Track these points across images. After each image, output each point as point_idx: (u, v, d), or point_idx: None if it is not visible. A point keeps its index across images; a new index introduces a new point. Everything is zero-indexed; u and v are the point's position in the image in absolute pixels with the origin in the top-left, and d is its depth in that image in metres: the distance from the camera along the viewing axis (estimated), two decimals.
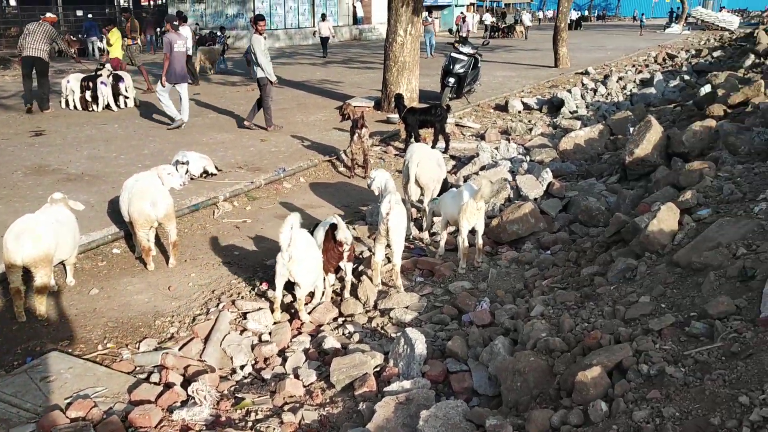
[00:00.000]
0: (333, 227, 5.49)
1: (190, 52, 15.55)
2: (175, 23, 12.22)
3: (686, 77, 18.25)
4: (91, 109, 13.64)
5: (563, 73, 21.31)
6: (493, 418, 3.61)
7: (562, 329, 4.30)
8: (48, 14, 14.22)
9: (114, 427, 3.94)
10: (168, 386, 4.46)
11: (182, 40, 11.93)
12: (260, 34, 11.69)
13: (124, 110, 13.91)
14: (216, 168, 9.13)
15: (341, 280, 5.97)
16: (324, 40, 27.55)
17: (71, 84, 13.68)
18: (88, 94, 13.62)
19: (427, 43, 27.09)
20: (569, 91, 16.31)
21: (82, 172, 9.01)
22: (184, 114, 12.11)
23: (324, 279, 5.71)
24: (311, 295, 5.75)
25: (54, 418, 3.94)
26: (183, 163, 8.55)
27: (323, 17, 29.05)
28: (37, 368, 4.60)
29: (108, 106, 13.75)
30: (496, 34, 41.72)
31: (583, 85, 18.41)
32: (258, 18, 12.04)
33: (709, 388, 3.03)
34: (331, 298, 5.85)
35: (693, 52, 28.23)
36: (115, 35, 16.19)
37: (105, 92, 13.64)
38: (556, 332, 4.32)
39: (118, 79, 13.89)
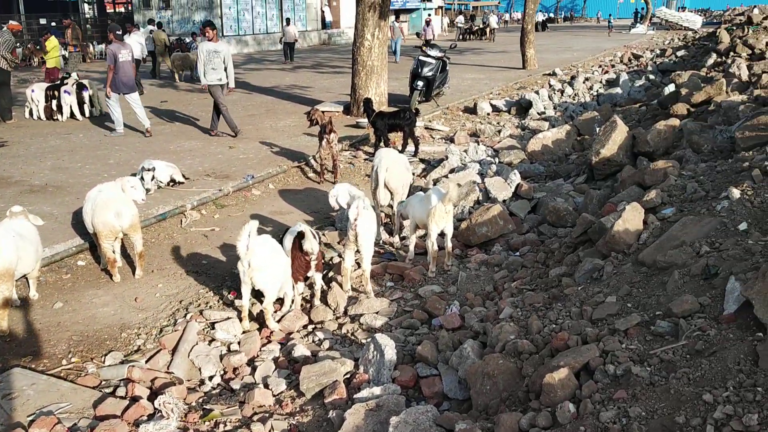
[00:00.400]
0: (300, 236, 5.44)
1: (139, 56, 15.67)
2: (119, 32, 11.83)
3: (651, 77, 18.51)
4: (55, 118, 13.40)
5: (531, 74, 21.49)
6: (462, 422, 3.60)
7: (530, 331, 4.31)
8: (11, 22, 13.88)
9: None
10: (134, 400, 4.38)
11: (126, 50, 11.68)
12: (209, 40, 11.55)
13: (89, 119, 13.70)
14: (183, 176, 9.02)
15: (311, 287, 5.93)
16: (289, 46, 27.03)
17: (35, 93, 13.41)
18: (54, 104, 13.39)
19: (393, 47, 26.56)
20: (537, 92, 16.44)
21: (45, 184, 8.84)
22: (143, 121, 12.01)
23: (293, 286, 5.67)
24: (281, 302, 5.70)
25: None
26: (148, 170, 8.44)
27: (288, 21, 28.66)
28: None
29: (72, 116, 13.53)
30: (470, 36, 42.01)
31: (550, 86, 18.59)
32: (206, 24, 11.92)
33: (674, 387, 3.05)
34: (301, 305, 5.81)
35: (658, 51, 28.66)
36: (51, 44, 15.99)
37: (69, 101, 13.40)
38: (524, 334, 4.33)
39: (81, 87, 13.65)
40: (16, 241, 5.23)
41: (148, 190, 8.15)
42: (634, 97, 15.42)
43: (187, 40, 24.61)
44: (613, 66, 24.19)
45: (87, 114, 13.89)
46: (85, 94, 13.74)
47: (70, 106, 13.49)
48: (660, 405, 2.99)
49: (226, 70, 11.59)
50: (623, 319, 3.84)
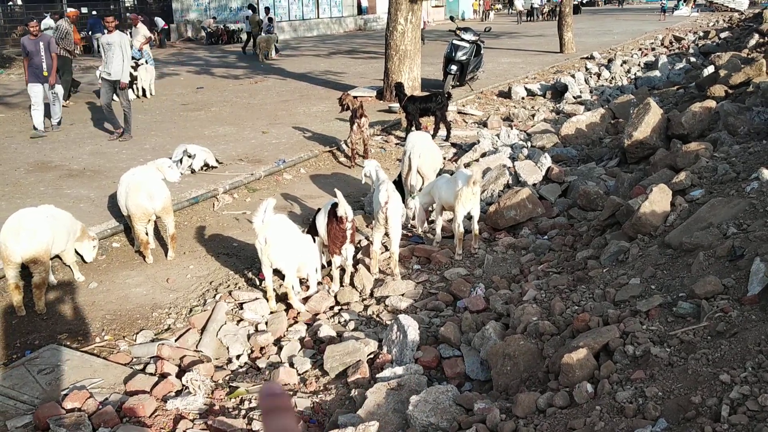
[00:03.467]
0: (334, 206, 5.51)
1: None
2: (34, 24, 10.86)
3: (692, 59, 18.07)
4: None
5: (568, 58, 21.17)
6: (481, 401, 3.63)
7: (552, 313, 4.31)
8: (70, 9, 15.67)
9: (108, 417, 3.99)
10: (163, 376, 4.51)
11: (43, 42, 10.64)
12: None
13: (135, 101, 13.98)
14: (217, 161, 9.16)
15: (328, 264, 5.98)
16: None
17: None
18: None
19: None
20: (573, 76, 16.19)
21: (83, 168, 9.07)
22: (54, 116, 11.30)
23: (317, 269, 5.74)
24: (307, 286, 5.78)
25: (50, 409, 3.99)
26: (190, 156, 8.64)
27: (267, 10, 25.62)
28: (35, 361, 4.66)
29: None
30: (539, 17, 42.69)
31: (587, 69, 18.28)
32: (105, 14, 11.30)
33: (692, 368, 3.03)
34: (321, 282, 5.87)
35: (701, 34, 27.91)
36: None
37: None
38: (547, 316, 4.33)
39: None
40: (50, 222, 5.41)
41: (182, 174, 8.34)
42: (673, 80, 15.07)
43: (265, 22, 25.14)
44: (653, 49, 23.68)
45: (140, 94, 14.88)
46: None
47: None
48: (677, 385, 2.97)
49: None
50: (645, 301, 3.81)
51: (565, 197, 7.62)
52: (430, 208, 7.05)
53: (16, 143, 10.47)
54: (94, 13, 28.39)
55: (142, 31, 16.46)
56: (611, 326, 3.68)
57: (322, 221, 5.66)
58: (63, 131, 11.32)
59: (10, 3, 31.80)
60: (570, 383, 3.41)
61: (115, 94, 10.91)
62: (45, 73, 10.72)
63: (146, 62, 15.77)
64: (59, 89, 11.21)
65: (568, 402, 3.29)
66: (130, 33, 15.35)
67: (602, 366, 3.39)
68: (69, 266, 6.03)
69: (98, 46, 11.55)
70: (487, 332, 4.38)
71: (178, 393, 4.35)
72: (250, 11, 25.18)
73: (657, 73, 15.92)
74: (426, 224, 7.21)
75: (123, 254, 6.67)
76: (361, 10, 39.39)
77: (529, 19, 43.36)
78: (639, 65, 18.61)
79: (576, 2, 49.10)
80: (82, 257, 6.20)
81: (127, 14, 32.01)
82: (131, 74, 14.38)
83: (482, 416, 3.47)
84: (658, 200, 4.98)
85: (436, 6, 43.74)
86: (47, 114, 11.22)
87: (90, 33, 26.35)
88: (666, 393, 2.96)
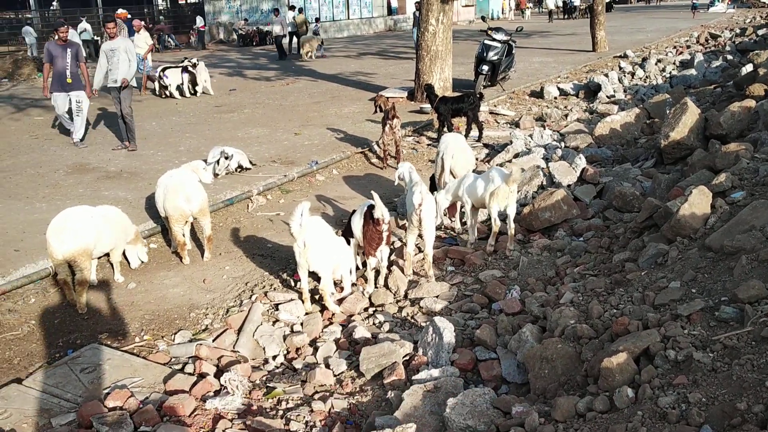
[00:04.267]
0: (370, 207, 5.54)
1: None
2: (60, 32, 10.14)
3: (729, 57, 17.75)
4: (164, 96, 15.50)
5: (601, 57, 20.95)
6: (519, 405, 3.61)
7: (590, 316, 4.27)
8: (120, 10, 16.64)
9: (149, 415, 4.06)
10: (202, 376, 4.57)
11: (71, 49, 10.17)
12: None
13: (180, 101, 14.34)
14: (250, 162, 9.25)
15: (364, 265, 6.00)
16: (277, 41, 23.78)
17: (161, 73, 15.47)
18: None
19: (415, 41, 20.63)
20: (606, 75, 16.03)
21: (120, 170, 9.22)
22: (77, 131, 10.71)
23: (351, 270, 5.76)
24: (341, 288, 5.80)
25: (93, 407, 4.07)
26: (227, 157, 8.76)
27: (276, 12, 24.55)
28: (77, 360, 4.76)
29: (182, 93, 15.56)
30: (564, 16, 43.07)
31: (620, 68, 18.06)
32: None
33: (736, 373, 2.98)
34: (355, 284, 5.89)
35: (737, 30, 27.43)
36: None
37: (175, 81, 15.43)
38: (584, 319, 4.29)
39: (184, 70, 15.53)
40: (96, 222, 5.55)
41: (216, 175, 8.48)
42: (709, 78, 14.83)
43: (313, 23, 25.70)
44: (688, 47, 23.31)
45: (194, 93, 15.75)
46: (186, 76, 15.51)
47: (168, 86, 15.42)
48: (721, 391, 2.93)
49: None
50: (686, 305, 3.75)
51: (600, 198, 7.55)
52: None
53: (54, 146, 10.69)
54: (129, 16, 28.81)
55: (144, 38, 16.64)
56: (651, 330, 3.63)
57: (358, 223, 5.69)
58: (100, 134, 11.52)
59: (52, 7, 32.42)
60: (610, 387, 3.37)
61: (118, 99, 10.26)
62: (69, 81, 10.16)
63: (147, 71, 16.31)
64: (85, 102, 10.48)
65: (608, 407, 3.25)
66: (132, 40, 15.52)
67: (643, 370, 3.35)
68: (112, 265, 6.16)
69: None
70: (523, 335, 4.36)
71: (217, 393, 4.41)
72: (294, 12, 25.69)
73: (693, 71, 15.67)
74: (459, 224, 7.21)
75: (160, 255, 6.76)
76: (390, 11, 39.42)
77: (566, 17, 43.26)
78: (674, 64, 18.33)
79: (607, 0, 48.76)
80: (127, 260, 6.35)
81: (161, 16, 32.54)
82: (161, 76, 15.41)
83: (520, 420, 3.45)
84: (697, 202, 4.91)
85: (466, 6, 43.56)
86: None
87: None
88: (710, 399, 2.91)
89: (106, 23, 10.52)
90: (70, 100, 10.33)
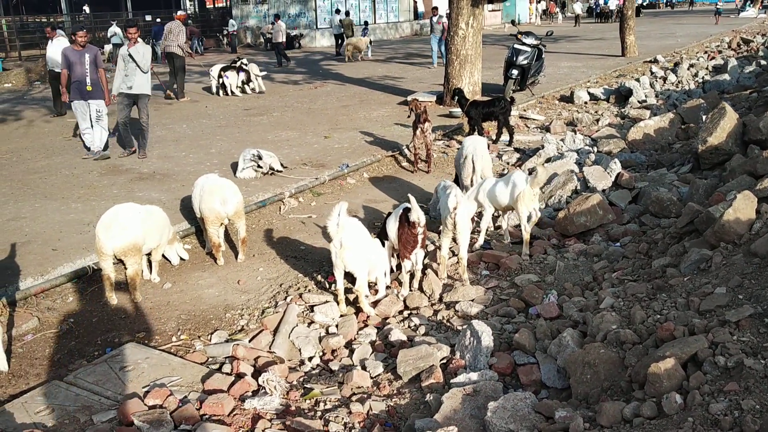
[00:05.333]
0: (406, 210, 5.52)
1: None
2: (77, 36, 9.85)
3: (763, 62, 17.47)
4: (219, 94, 16.44)
5: (631, 62, 20.75)
6: (562, 410, 3.56)
7: (633, 321, 4.21)
8: (179, 12, 17.31)
9: (189, 414, 4.07)
10: (239, 376, 4.57)
11: (89, 54, 9.74)
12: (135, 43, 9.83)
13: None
14: (281, 165, 9.29)
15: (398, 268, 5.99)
16: (277, 47, 23.26)
17: (213, 73, 16.57)
18: (220, 82, 16.46)
19: (432, 48, 21.80)
20: (637, 80, 15.86)
21: (153, 171, 9.31)
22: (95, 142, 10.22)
23: (386, 273, 5.75)
24: (376, 290, 5.79)
25: (133, 405, 4.09)
26: (260, 158, 8.87)
27: (276, 18, 24.66)
28: (116, 358, 4.79)
29: (232, 92, 16.44)
30: (601, 20, 44.21)
31: (652, 73, 17.87)
32: (129, 25, 10.40)
33: None
34: (389, 287, 5.89)
35: None
36: None
37: (231, 80, 16.41)
38: (627, 324, 4.23)
39: (239, 70, 16.54)
40: (143, 218, 5.72)
41: (264, 173, 8.84)
42: (743, 83, 14.60)
43: (362, 26, 26.28)
44: (720, 52, 22.99)
45: (248, 91, 16.77)
46: (242, 75, 16.54)
47: (230, 86, 16.38)
48: None
49: None
50: (734, 311, 3.68)
51: (636, 203, 7.46)
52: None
53: None
54: (158, 20, 29.19)
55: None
56: (699, 336, 3.57)
57: (393, 226, 5.68)
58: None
59: (84, 11, 32.90)
60: (657, 393, 3.32)
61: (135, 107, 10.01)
62: (89, 88, 9.72)
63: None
64: (104, 110, 9.98)
65: (656, 413, 3.20)
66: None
67: (691, 377, 3.29)
68: (150, 264, 6.25)
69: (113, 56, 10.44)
70: (564, 340, 4.31)
71: (255, 393, 4.41)
72: (342, 15, 27.32)
73: (726, 76, 15.46)
74: (491, 228, 7.18)
75: (195, 256, 6.81)
76: (417, 15, 39.44)
77: (600, 20, 43.81)
78: (707, 69, 18.09)
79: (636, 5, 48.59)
80: (168, 260, 6.49)
81: (189, 21, 32.80)
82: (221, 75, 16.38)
83: (564, 424, 3.41)
84: (742, 207, 4.82)
85: (493, 10, 43.45)
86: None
87: (154, 40, 27.07)
88: (764, 406, 2.85)
89: (128, 27, 10.14)
90: (90, 108, 9.90)
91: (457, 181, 7.86)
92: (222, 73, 16.33)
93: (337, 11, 27.86)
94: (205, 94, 16.96)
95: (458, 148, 9.72)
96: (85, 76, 9.71)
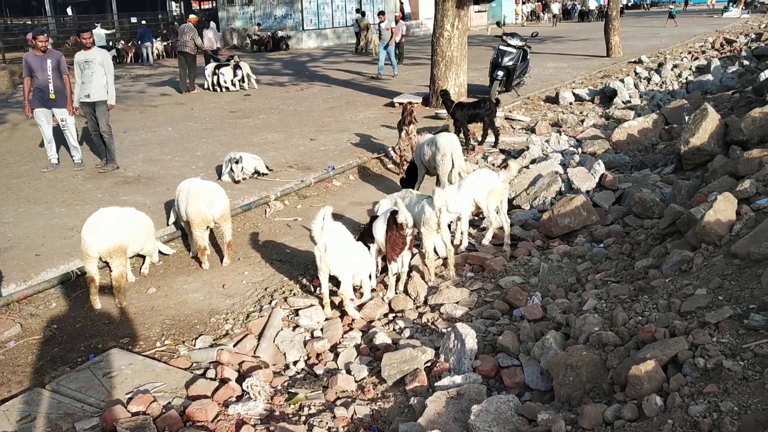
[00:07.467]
0: (393, 213, 5.54)
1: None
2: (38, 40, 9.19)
3: (746, 62, 17.60)
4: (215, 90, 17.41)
5: (615, 62, 20.89)
6: (544, 412, 3.58)
7: (615, 323, 4.23)
8: (191, 15, 18.68)
9: (172, 420, 4.06)
10: (223, 381, 4.56)
11: (52, 59, 9.14)
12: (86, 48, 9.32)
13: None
14: (267, 167, 9.28)
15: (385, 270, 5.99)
16: (213, 55, 18.88)
17: (207, 71, 17.55)
18: (215, 79, 17.45)
19: (382, 56, 19.71)
20: (622, 80, 15.95)
21: (138, 175, 9.27)
22: (73, 151, 9.79)
23: (371, 276, 5.75)
24: (361, 293, 5.79)
25: (116, 412, 4.07)
26: (237, 162, 8.77)
27: (209, 24, 21.57)
28: (100, 365, 4.77)
29: (227, 88, 17.43)
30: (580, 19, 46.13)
31: (636, 74, 17.98)
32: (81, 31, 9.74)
33: None
34: (375, 289, 5.90)
35: (753, 36, 27.23)
36: None
37: (227, 78, 17.38)
38: (609, 326, 4.26)
39: (236, 68, 17.49)
40: (127, 221, 5.79)
41: (237, 181, 8.53)
42: (726, 84, 14.72)
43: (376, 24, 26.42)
44: (703, 52, 23.17)
45: (238, 87, 17.60)
46: (239, 73, 17.45)
47: (225, 82, 17.35)
48: (753, 400, 2.89)
49: None
50: (714, 312, 3.71)
51: (619, 204, 7.51)
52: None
53: None
54: (143, 22, 29.05)
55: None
56: (679, 338, 3.60)
57: (381, 228, 5.69)
58: (117, 138, 11.55)
59: (68, 13, 32.66)
60: (638, 395, 3.34)
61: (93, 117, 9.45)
62: (52, 96, 9.13)
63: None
64: (69, 120, 9.43)
65: (636, 415, 3.22)
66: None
67: (671, 378, 3.31)
68: (144, 259, 6.46)
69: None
70: (547, 342, 4.33)
71: (239, 398, 4.40)
72: (359, 15, 29.24)
73: (709, 77, 15.57)
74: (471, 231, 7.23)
75: (179, 260, 6.79)
76: (404, 17, 39.43)
77: (580, 20, 44.88)
78: (690, 69, 18.22)
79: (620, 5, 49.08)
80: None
81: (174, 23, 32.71)
82: (216, 73, 17.25)
83: (547, 427, 3.43)
84: (722, 208, 4.86)
85: (479, 11, 43.57)
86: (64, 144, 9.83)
87: (140, 42, 26.96)
88: (742, 408, 2.88)
89: (80, 32, 9.47)
90: (52, 115, 9.37)
91: (408, 184, 8.30)
92: (216, 70, 17.29)
93: (357, 11, 29.84)
94: (201, 90, 17.71)
95: (425, 147, 9.41)
96: (48, 82, 9.08)
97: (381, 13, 21.27)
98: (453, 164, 7.86)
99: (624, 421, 3.21)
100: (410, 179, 8.57)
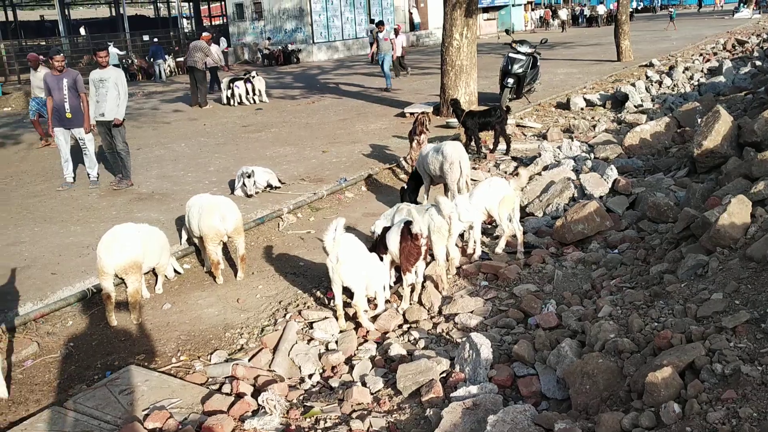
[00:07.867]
0: (407, 224, 5.54)
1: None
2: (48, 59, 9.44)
3: (758, 63, 17.48)
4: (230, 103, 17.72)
5: (626, 66, 20.81)
6: (561, 421, 3.55)
7: (631, 330, 4.20)
8: (204, 33, 18.61)
9: None
10: (239, 396, 4.57)
11: (67, 79, 9.29)
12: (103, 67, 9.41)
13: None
14: (279, 181, 9.32)
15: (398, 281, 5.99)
16: (212, 72, 19.28)
17: (223, 85, 17.97)
18: (230, 93, 17.80)
19: (383, 70, 19.30)
20: (633, 84, 15.89)
21: (152, 191, 9.34)
22: (90, 169, 9.86)
23: (385, 287, 5.75)
24: (375, 305, 5.78)
25: (133, 429, 4.09)
26: (249, 176, 8.81)
27: (218, 41, 22.03)
28: (116, 382, 4.79)
29: (240, 101, 17.76)
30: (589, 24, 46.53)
31: (647, 77, 17.89)
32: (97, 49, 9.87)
33: None
34: (389, 300, 5.91)
35: (765, 36, 27.05)
36: None
37: (240, 91, 17.70)
38: (625, 333, 4.22)
39: (247, 81, 17.78)
40: (142, 238, 5.86)
41: (249, 195, 8.57)
42: (739, 85, 14.61)
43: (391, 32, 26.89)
44: (715, 54, 23.03)
45: (251, 102, 17.83)
46: (248, 87, 17.72)
47: (240, 95, 17.69)
48: None
49: None
50: (731, 317, 3.67)
51: (633, 209, 7.46)
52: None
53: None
54: (155, 40, 29.33)
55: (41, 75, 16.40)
56: (696, 344, 3.56)
57: (394, 239, 5.68)
58: (132, 155, 11.65)
59: (83, 33, 33.07)
60: (655, 403, 3.31)
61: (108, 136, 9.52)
62: (68, 115, 9.28)
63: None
64: (87, 138, 9.53)
65: (654, 423, 3.19)
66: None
67: (689, 385, 3.28)
68: (157, 278, 6.50)
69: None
70: (563, 350, 4.29)
71: (255, 413, 4.40)
72: (374, 26, 27.70)
73: (722, 78, 15.47)
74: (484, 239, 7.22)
75: (194, 275, 6.82)
76: (413, 27, 39.57)
77: (589, 25, 45.14)
78: (702, 71, 18.11)
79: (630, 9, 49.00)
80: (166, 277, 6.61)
81: (186, 39, 33.03)
82: (230, 86, 17.56)
83: None
84: (737, 211, 4.82)
85: (488, 19, 43.64)
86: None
87: (152, 60, 27.21)
88: (761, 414, 2.84)
89: (96, 51, 9.62)
90: (70, 135, 9.57)
91: (408, 194, 8.39)
92: (231, 84, 17.63)
93: (372, 21, 29.47)
94: (215, 104, 17.94)
95: (430, 156, 9.33)
96: (63, 102, 9.24)
97: (380, 23, 20.58)
98: (461, 172, 7.89)
99: (642, 429, 3.18)
100: (411, 190, 8.54)
